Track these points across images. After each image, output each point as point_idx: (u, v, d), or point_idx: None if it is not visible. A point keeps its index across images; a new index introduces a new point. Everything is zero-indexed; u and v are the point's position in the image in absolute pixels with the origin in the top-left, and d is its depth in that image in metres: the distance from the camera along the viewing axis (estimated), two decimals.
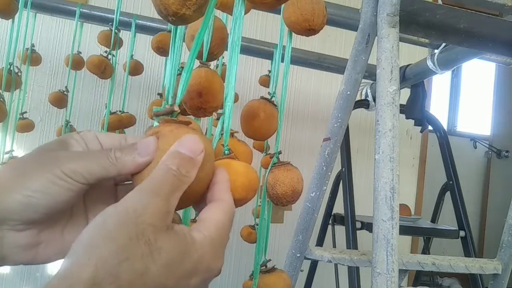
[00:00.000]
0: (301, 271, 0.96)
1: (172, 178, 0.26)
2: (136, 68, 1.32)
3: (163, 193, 0.25)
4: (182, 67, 0.56)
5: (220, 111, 0.47)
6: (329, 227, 1.66)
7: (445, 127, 1.93)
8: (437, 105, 2.94)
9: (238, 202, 0.40)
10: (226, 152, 0.43)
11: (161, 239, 0.24)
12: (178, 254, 0.24)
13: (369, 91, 1.48)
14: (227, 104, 0.44)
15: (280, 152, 0.56)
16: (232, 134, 0.54)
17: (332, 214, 1.65)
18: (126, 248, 0.22)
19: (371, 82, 1.47)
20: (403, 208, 1.68)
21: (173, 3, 0.33)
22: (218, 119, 0.46)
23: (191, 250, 0.25)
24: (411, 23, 0.83)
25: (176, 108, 0.32)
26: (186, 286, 0.25)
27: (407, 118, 1.46)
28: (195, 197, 0.30)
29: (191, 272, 0.25)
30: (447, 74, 2.82)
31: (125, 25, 1.23)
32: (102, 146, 0.31)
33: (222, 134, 0.44)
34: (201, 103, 0.47)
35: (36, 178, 0.26)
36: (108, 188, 0.32)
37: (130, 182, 0.30)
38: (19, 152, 1.56)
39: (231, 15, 0.49)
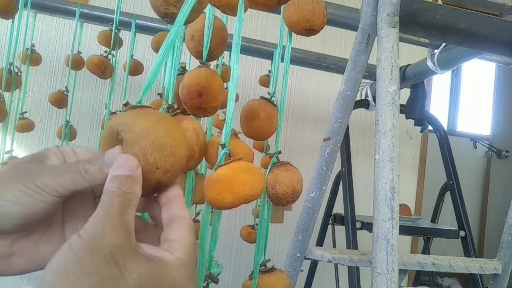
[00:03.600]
0: (301, 271, 0.96)
1: (117, 198, 0.26)
2: (136, 68, 1.32)
3: (114, 214, 0.26)
4: (182, 67, 0.56)
5: (223, 110, 0.48)
6: (329, 227, 1.66)
7: (445, 127, 1.93)
8: (437, 105, 2.94)
9: (253, 200, 0.42)
10: (227, 152, 0.43)
11: (130, 260, 0.24)
12: (150, 276, 0.24)
13: (369, 91, 1.48)
14: (229, 105, 0.44)
15: (280, 152, 0.56)
16: (236, 135, 0.54)
17: (332, 214, 1.65)
18: (96, 271, 0.23)
19: (371, 82, 1.47)
20: (403, 208, 1.68)
21: (160, 5, 0.33)
22: (224, 120, 0.46)
23: (164, 272, 0.25)
24: (411, 23, 0.83)
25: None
26: None
27: (407, 118, 1.46)
28: (181, 166, 0.31)
29: None
30: (447, 74, 2.82)
31: (125, 25, 1.23)
32: (78, 159, 0.31)
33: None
34: (201, 103, 0.47)
35: (9, 189, 0.26)
36: (86, 202, 0.32)
37: None
38: (19, 152, 1.56)
39: (232, 15, 0.49)
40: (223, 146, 0.44)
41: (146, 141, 0.28)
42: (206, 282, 0.53)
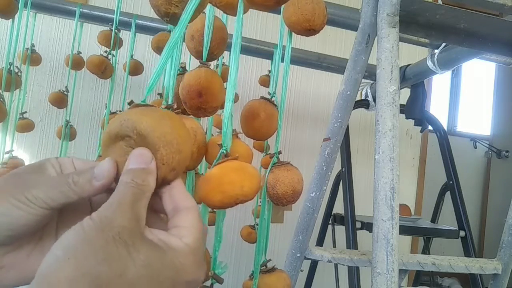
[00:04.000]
0: (301, 271, 0.96)
1: (130, 189, 0.27)
2: (136, 68, 1.32)
3: (127, 202, 0.26)
4: (182, 67, 0.56)
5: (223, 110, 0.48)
6: (329, 227, 1.66)
7: (445, 127, 1.93)
8: (437, 105, 2.94)
9: (248, 200, 0.41)
10: (224, 152, 0.43)
11: (139, 242, 0.25)
12: (158, 259, 0.25)
13: (369, 91, 1.48)
14: (227, 104, 0.44)
15: (280, 152, 0.56)
16: (236, 135, 0.54)
17: (332, 214, 1.65)
18: (103, 249, 0.23)
19: (371, 82, 1.47)
20: (403, 208, 1.68)
21: (161, 4, 0.33)
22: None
23: (171, 257, 0.26)
24: (411, 23, 0.83)
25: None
26: None
27: (407, 118, 1.46)
28: (186, 160, 0.30)
29: (174, 280, 0.25)
30: (447, 74, 2.82)
31: (125, 25, 1.23)
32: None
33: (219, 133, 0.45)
34: (201, 103, 0.47)
35: (0, 202, 0.27)
36: (83, 215, 0.32)
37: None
38: (19, 152, 1.57)
39: (232, 15, 0.49)
40: (221, 145, 0.44)
41: (152, 137, 0.28)
42: (211, 283, 0.53)
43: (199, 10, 0.37)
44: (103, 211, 0.25)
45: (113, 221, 0.24)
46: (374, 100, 1.23)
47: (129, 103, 0.35)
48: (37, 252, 0.30)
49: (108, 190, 0.30)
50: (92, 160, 0.33)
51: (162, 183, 0.30)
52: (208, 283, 0.53)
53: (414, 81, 1.34)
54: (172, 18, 0.34)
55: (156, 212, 0.31)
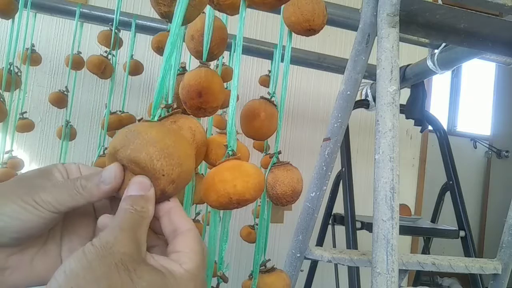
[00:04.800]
0: (301, 271, 0.96)
1: (130, 215, 0.27)
2: (136, 68, 1.32)
3: (127, 227, 0.26)
4: (182, 67, 0.56)
5: (223, 109, 0.48)
6: (329, 227, 1.66)
7: (445, 127, 1.93)
8: (437, 105, 2.94)
9: (247, 202, 0.41)
10: (230, 153, 0.43)
11: (140, 268, 0.25)
12: (159, 285, 0.25)
13: (369, 91, 1.48)
14: (231, 104, 0.44)
15: (280, 152, 0.55)
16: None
17: (332, 214, 1.65)
18: (106, 277, 0.23)
19: (371, 82, 1.47)
20: (403, 208, 1.68)
21: (153, 5, 0.33)
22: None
23: (172, 284, 0.26)
24: (411, 23, 0.83)
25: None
26: None
27: (407, 118, 1.46)
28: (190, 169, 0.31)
29: None
30: (447, 74, 2.82)
31: (125, 25, 1.23)
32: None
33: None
34: (201, 103, 0.47)
35: (9, 204, 0.27)
36: (87, 220, 0.33)
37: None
38: (19, 152, 1.57)
39: (232, 15, 0.49)
40: (226, 146, 0.45)
41: (155, 147, 0.29)
42: (217, 283, 0.53)
43: (198, 8, 0.37)
44: (104, 236, 0.25)
45: (114, 247, 0.24)
46: (374, 100, 1.23)
47: (139, 120, 0.35)
48: (41, 255, 0.30)
49: (112, 197, 0.30)
50: (92, 159, 0.33)
51: (161, 196, 0.30)
52: (214, 282, 0.53)
53: (414, 81, 1.34)
54: (169, 18, 0.34)
55: (155, 234, 0.32)
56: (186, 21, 0.37)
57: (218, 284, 0.53)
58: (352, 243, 1.33)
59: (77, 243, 0.31)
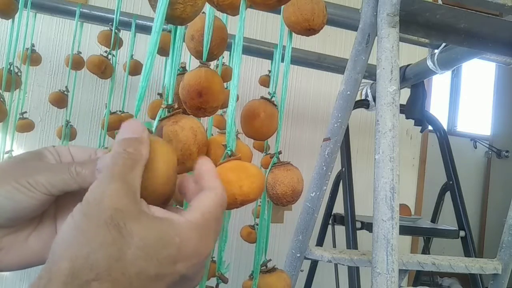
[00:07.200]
0: (301, 271, 0.96)
1: (121, 159, 0.26)
2: (136, 68, 1.32)
3: (116, 174, 0.25)
4: (182, 67, 0.56)
5: (223, 109, 0.48)
6: (329, 227, 1.66)
7: (445, 127, 1.93)
8: (437, 105, 2.94)
9: (249, 202, 0.41)
10: (228, 153, 0.43)
11: (132, 222, 0.24)
12: (155, 237, 0.24)
13: (369, 91, 1.48)
14: (231, 104, 0.44)
15: (280, 152, 0.55)
16: (236, 135, 0.53)
17: (332, 214, 1.65)
18: (95, 236, 0.23)
19: (371, 82, 1.47)
20: (403, 208, 1.68)
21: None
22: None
23: (170, 234, 0.25)
24: (411, 23, 0.83)
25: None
26: (173, 272, 0.25)
27: (407, 118, 1.46)
28: (157, 196, 0.29)
29: (175, 256, 0.25)
30: (447, 74, 2.82)
31: (125, 25, 1.23)
32: (73, 159, 0.32)
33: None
34: (201, 103, 0.47)
35: (3, 185, 0.27)
36: (80, 200, 0.33)
37: None
38: (19, 152, 1.56)
39: (232, 15, 0.49)
40: (225, 146, 0.44)
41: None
42: (216, 283, 0.53)
43: (197, 8, 0.37)
44: (90, 193, 0.25)
45: (102, 203, 0.24)
46: (374, 100, 1.23)
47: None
48: (36, 235, 0.31)
49: None
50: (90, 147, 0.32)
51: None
52: (213, 283, 0.53)
53: (414, 81, 1.34)
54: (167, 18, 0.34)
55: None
56: (178, 19, 0.37)
57: (217, 285, 0.53)
58: (352, 243, 1.33)
59: None
